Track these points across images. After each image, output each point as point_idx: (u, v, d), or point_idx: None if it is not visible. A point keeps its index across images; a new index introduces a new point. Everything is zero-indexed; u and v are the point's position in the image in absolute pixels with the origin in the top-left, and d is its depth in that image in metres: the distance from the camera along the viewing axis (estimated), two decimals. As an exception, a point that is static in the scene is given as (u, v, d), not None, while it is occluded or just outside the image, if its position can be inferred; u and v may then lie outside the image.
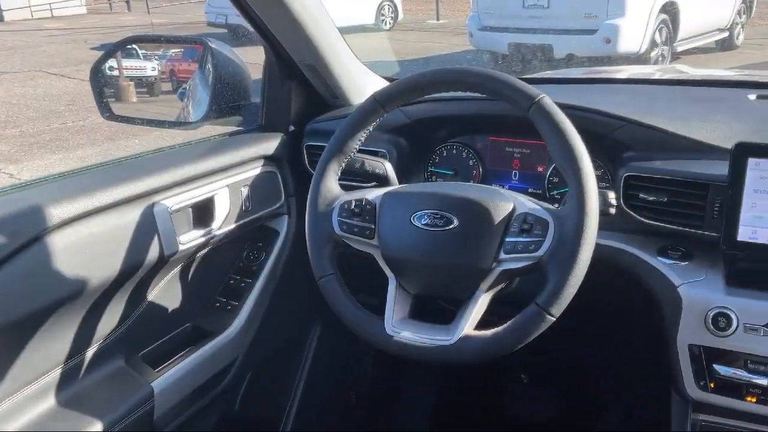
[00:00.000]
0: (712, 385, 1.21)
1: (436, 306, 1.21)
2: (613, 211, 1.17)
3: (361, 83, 1.67)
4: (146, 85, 5.05)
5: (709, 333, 1.19)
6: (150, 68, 5.08)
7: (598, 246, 1.35)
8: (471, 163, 1.58)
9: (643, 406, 1.87)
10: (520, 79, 1.15)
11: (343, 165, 1.25)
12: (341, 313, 1.18)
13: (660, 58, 7.71)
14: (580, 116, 1.34)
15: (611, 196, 1.17)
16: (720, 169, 1.20)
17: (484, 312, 1.13)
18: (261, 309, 1.60)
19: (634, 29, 7.30)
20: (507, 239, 1.11)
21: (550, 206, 1.13)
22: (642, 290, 1.30)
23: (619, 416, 2.00)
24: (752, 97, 1.52)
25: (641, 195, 1.28)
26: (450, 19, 13.19)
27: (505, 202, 1.13)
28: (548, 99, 1.11)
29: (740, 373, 1.19)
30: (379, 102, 1.23)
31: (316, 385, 1.87)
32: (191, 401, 1.47)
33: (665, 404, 1.34)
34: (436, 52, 9.94)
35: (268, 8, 1.43)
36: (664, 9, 7.64)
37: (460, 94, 1.27)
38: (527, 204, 1.14)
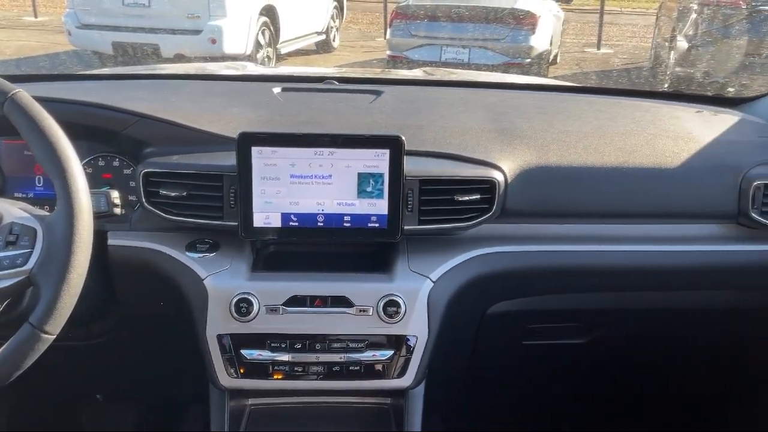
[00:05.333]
0: (242, 370, 1.24)
1: None
2: (119, 211, 1.11)
3: None
4: None
5: (234, 320, 1.22)
6: None
7: (122, 248, 1.29)
8: (-14, 171, 1.39)
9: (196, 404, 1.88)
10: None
11: None
12: None
13: (266, 60, 8.07)
14: (83, 112, 1.26)
15: (114, 195, 1.12)
16: (233, 159, 1.22)
17: None
18: None
19: (238, 30, 7.51)
20: None
21: (42, 212, 1.03)
22: (175, 288, 1.27)
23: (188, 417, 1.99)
24: (277, 90, 1.60)
25: (162, 191, 1.25)
26: (52, 17, 11.98)
27: None
28: (24, 93, 1.00)
29: (265, 354, 1.24)
30: None
31: None
32: None
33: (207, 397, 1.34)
34: (33, 53, 8.94)
35: None
36: (264, 12, 8.01)
37: None
38: (15, 212, 1.01)
